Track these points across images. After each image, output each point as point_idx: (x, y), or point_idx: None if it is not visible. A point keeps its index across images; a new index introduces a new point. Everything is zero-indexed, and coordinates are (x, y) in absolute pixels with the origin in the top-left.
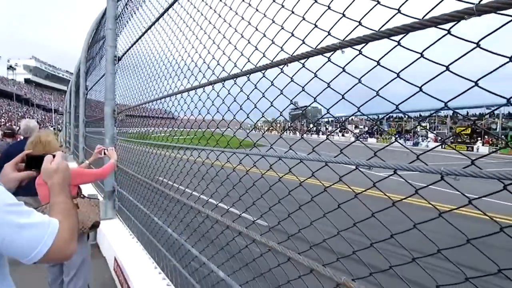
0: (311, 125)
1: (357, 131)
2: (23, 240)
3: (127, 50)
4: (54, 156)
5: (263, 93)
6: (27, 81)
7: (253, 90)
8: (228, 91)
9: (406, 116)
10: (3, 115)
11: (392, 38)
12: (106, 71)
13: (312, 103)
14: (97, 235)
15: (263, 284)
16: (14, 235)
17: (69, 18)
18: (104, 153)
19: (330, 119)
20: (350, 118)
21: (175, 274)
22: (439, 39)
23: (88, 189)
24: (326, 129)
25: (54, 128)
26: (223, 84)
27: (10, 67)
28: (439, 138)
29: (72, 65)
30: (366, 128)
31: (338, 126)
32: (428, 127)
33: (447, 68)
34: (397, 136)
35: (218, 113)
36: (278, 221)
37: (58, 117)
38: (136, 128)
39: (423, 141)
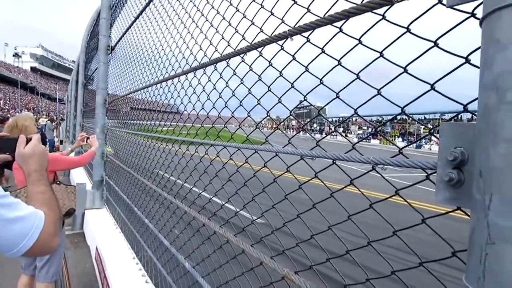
0: (315, 125)
1: (360, 132)
2: (10, 233)
3: (119, 39)
4: (30, 139)
5: (268, 87)
6: (33, 69)
7: (255, 82)
8: (226, 83)
9: (410, 118)
10: (7, 102)
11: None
12: (99, 61)
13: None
14: (84, 224)
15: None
16: (1, 229)
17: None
18: (87, 141)
19: (334, 119)
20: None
21: (150, 265)
22: (373, 25)
23: (79, 177)
24: (330, 129)
25: (57, 118)
26: (220, 75)
27: (16, 55)
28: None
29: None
30: (370, 129)
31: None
32: (432, 130)
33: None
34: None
35: (214, 109)
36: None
37: (62, 106)
38: (130, 120)
39: (425, 143)
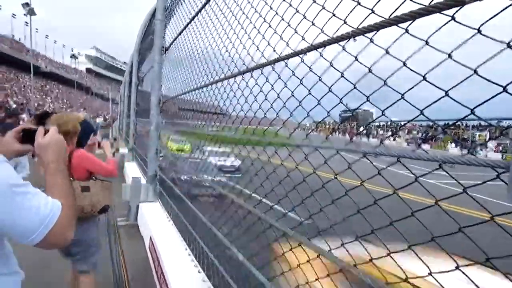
0: (361, 128)
1: (409, 137)
2: (25, 221)
3: (174, 40)
4: (47, 130)
5: (309, 90)
6: (88, 70)
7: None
8: (272, 86)
9: (464, 124)
10: (66, 102)
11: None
12: (153, 61)
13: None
14: (138, 216)
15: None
16: (18, 216)
17: (134, 6)
18: (99, 146)
19: (381, 123)
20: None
21: (202, 257)
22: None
23: (133, 172)
24: (377, 133)
25: (105, 119)
26: (266, 79)
27: (73, 56)
28: (501, 148)
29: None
30: (420, 134)
31: (389, 131)
32: (488, 137)
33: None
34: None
35: (261, 109)
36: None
37: (114, 106)
38: (184, 120)
39: (481, 150)
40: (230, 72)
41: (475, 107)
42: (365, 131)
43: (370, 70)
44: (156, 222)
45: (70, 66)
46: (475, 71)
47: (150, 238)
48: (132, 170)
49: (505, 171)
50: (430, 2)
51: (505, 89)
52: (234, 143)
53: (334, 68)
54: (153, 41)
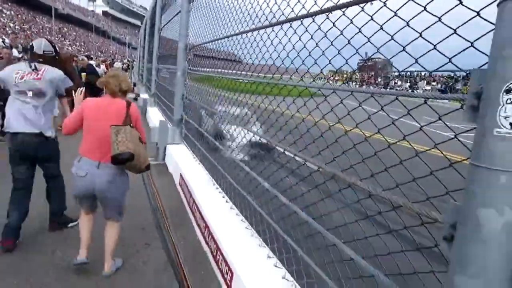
0: (379, 79)
1: (428, 87)
2: None
3: None
4: None
5: (348, 41)
6: (104, 13)
7: (322, 37)
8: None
9: None
10: (84, 45)
11: None
12: (181, 9)
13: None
14: (165, 156)
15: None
16: None
17: None
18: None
19: (400, 73)
20: (422, 74)
21: (229, 190)
22: None
23: (156, 117)
24: (395, 83)
25: (124, 64)
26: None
27: None
28: None
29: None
30: (439, 85)
31: (407, 81)
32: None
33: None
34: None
35: (279, 58)
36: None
37: (131, 51)
38: (206, 68)
39: None
40: (255, 25)
41: None
42: (382, 82)
43: (408, 24)
44: (184, 161)
45: (87, 9)
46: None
47: (180, 175)
48: (154, 114)
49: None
50: None
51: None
52: (255, 92)
53: (355, 25)
54: None
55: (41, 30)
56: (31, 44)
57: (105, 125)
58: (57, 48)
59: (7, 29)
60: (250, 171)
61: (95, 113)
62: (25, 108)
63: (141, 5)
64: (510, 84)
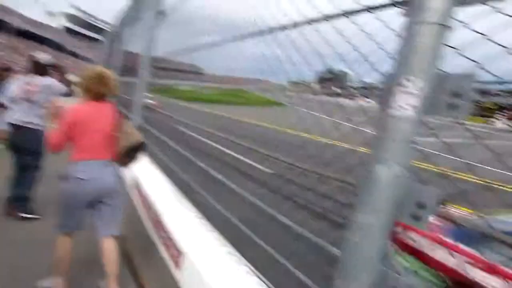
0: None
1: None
2: None
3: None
4: None
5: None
6: (67, 29)
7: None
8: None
9: None
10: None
11: None
12: (146, 24)
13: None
14: None
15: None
16: None
17: None
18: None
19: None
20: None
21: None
22: None
23: None
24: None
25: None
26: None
27: (49, 13)
28: None
29: (107, 15)
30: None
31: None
32: None
33: None
34: None
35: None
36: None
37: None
38: (166, 80)
39: None
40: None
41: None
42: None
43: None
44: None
45: (48, 24)
46: None
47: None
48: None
49: None
50: None
51: None
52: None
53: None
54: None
55: None
56: None
57: (104, 124)
58: None
59: None
60: None
61: (90, 116)
62: None
63: (102, 20)
64: None
